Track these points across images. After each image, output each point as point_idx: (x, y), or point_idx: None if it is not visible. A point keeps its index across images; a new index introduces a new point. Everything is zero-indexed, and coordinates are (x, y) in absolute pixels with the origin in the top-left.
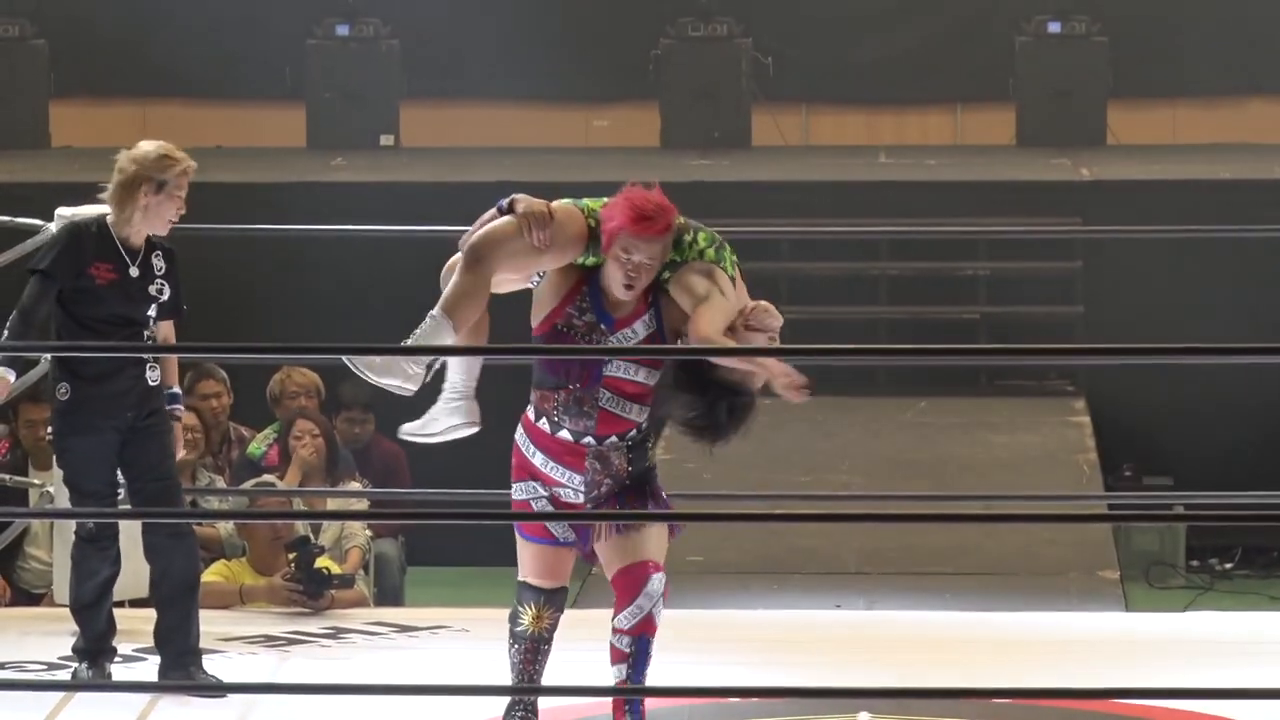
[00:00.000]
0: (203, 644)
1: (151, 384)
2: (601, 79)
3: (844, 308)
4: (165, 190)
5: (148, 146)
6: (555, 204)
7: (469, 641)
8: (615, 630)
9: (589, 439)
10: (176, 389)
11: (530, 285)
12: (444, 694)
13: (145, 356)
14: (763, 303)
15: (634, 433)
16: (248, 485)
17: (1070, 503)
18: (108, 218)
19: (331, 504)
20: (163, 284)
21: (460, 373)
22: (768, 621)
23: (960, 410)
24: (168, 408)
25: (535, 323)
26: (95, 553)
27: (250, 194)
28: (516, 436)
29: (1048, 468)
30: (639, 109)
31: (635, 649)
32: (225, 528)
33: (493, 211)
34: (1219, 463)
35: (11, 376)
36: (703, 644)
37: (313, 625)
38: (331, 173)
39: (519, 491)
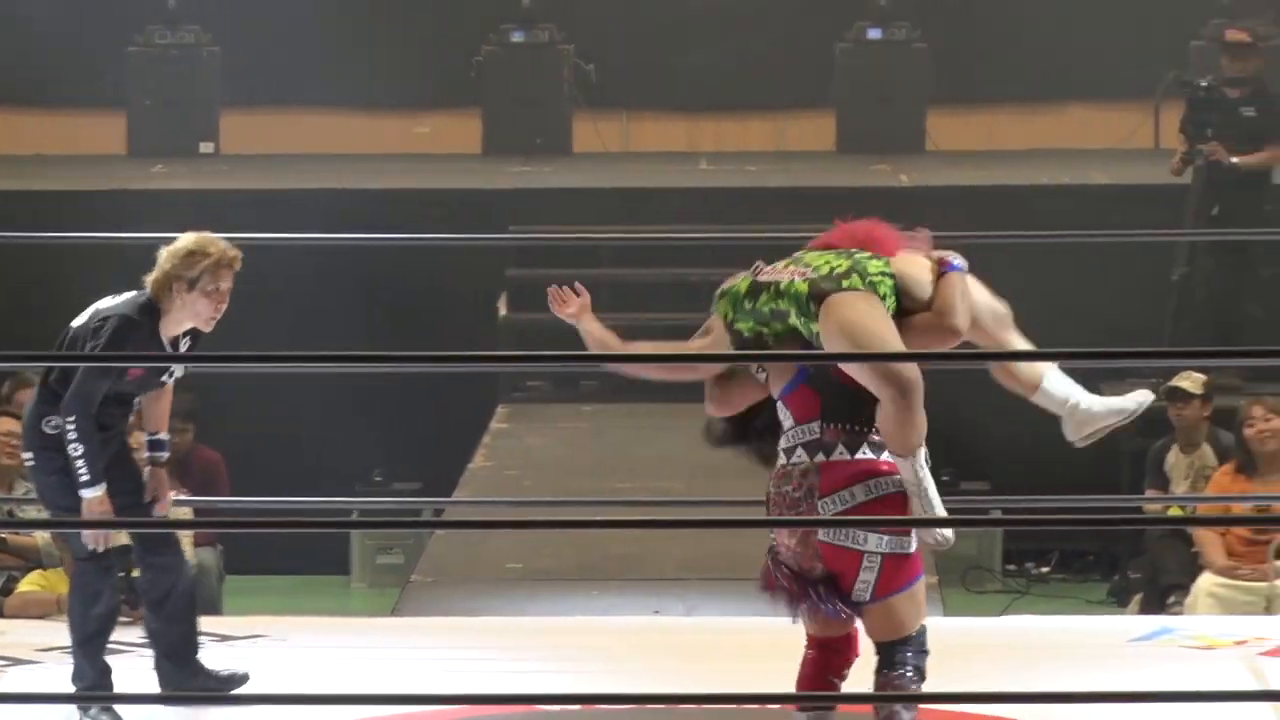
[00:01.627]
0: (19, 655)
1: (125, 446)
2: (423, 85)
3: (666, 314)
4: (198, 287)
5: (182, 241)
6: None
7: (287, 650)
8: None
9: None
10: (163, 435)
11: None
12: (317, 703)
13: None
14: None
15: None
16: None
17: None
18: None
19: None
20: (182, 367)
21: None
22: (586, 628)
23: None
24: (149, 454)
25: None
26: (98, 573)
27: (70, 202)
28: (896, 485)
29: None
30: (460, 115)
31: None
32: (42, 537)
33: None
34: (1035, 467)
35: (101, 490)
36: (522, 651)
37: (132, 635)
38: (152, 180)
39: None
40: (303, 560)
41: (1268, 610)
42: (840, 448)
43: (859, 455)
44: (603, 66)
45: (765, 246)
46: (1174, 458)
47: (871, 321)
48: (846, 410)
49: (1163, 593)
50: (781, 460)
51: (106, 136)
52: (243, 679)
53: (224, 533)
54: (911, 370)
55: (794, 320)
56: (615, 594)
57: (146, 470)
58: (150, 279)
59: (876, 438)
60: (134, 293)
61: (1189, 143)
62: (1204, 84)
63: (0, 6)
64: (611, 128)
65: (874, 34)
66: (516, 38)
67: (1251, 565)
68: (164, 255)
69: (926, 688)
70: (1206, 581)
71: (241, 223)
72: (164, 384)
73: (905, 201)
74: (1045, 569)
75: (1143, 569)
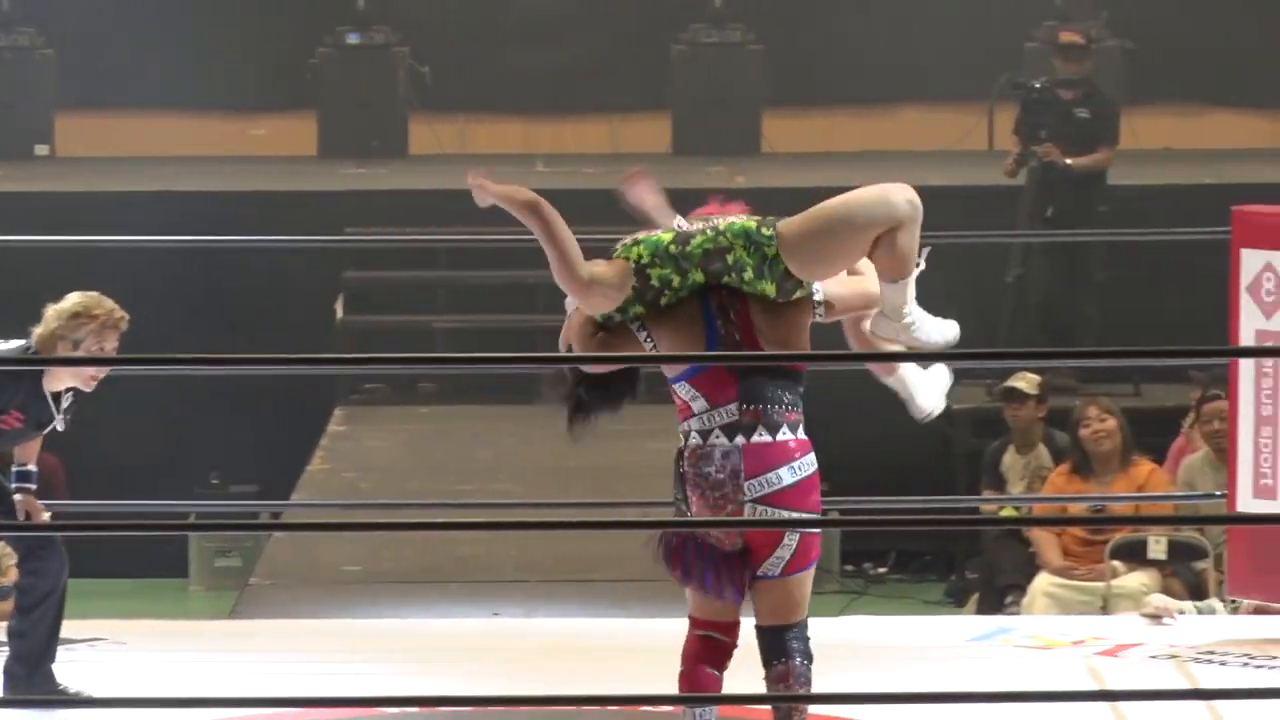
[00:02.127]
0: None
1: None
2: (258, 88)
3: (502, 316)
4: (82, 348)
5: (68, 302)
6: None
7: (126, 653)
8: None
9: None
10: (31, 467)
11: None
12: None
13: None
14: None
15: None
16: None
17: None
18: None
19: None
20: (64, 419)
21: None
22: (426, 630)
23: (618, 418)
24: (16, 484)
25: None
26: None
27: None
28: (813, 465)
29: None
30: (296, 118)
31: None
32: None
33: None
34: (872, 468)
35: None
36: (361, 653)
37: None
38: None
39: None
40: (141, 563)
41: (1104, 610)
42: (761, 429)
43: (779, 437)
44: (438, 69)
45: (603, 249)
46: (1010, 458)
47: (839, 198)
48: (763, 391)
49: (1000, 593)
50: (695, 441)
51: None
52: (86, 701)
53: (61, 536)
54: (913, 198)
55: (739, 254)
56: (455, 596)
57: (18, 499)
58: (36, 334)
59: (792, 416)
60: (21, 342)
61: (1023, 144)
62: (1037, 86)
63: None
64: (448, 130)
65: (709, 36)
66: (351, 40)
67: (1087, 565)
68: (50, 314)
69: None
70: (1043, 582)
71: (78, 225)
72: (36, 438)
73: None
74: (883, 569)
75: (979, 569)
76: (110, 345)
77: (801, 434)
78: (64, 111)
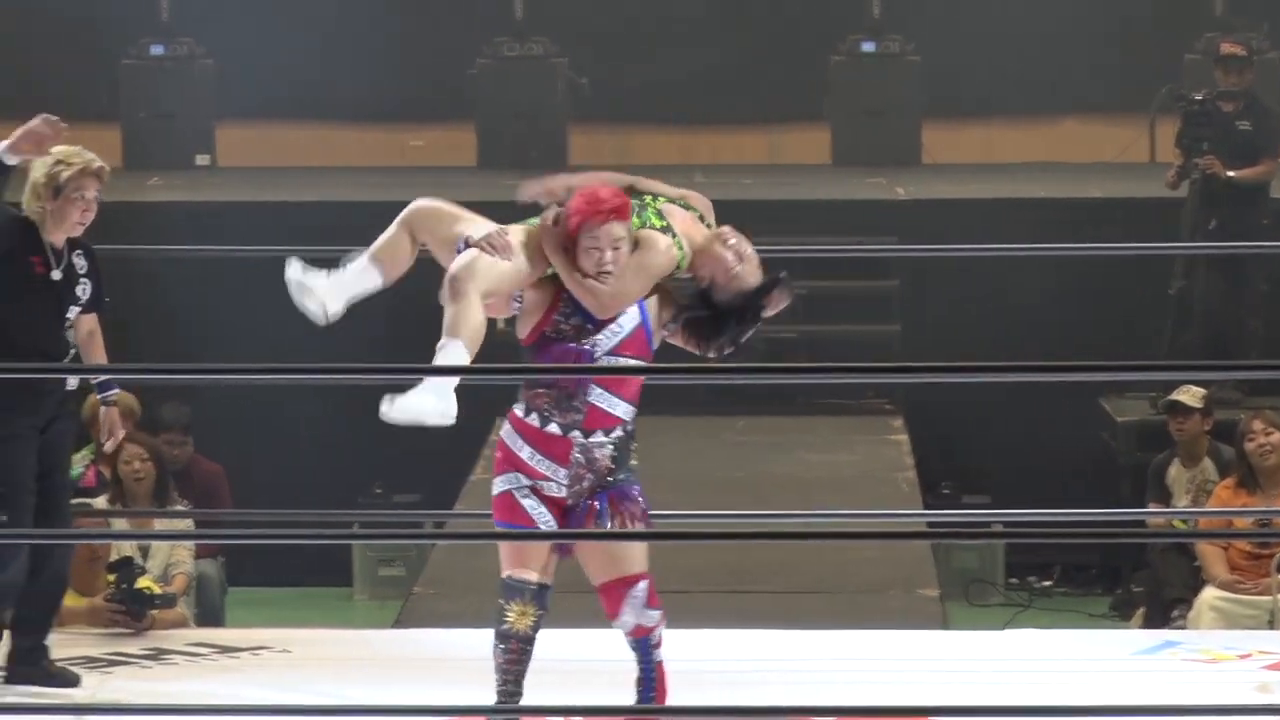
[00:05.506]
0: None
1: (70, 387)
2: (417, 98)
3: None
4: (63, 195)
5: (50, 152)
6: (510, 226)
7: (290, 662)
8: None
9: (576, 433)
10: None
11: (513, 312)
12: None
13: (68, 357)
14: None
15: (619, 430)
16: None
17: (889, 520)
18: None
19: (158, 525)
20: (86, 283)
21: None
22: (587, 641)
23: (777, 429)
24: (101, 395)
25: (523, 334)
26: None
27: None
28: (503, 433)
29: (866, 486)
30: (455, 128)
31: (638, 650)
32: None
33: (460, 247)
34: (1037, 480)
35: None
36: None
37: (133, 646)
38: (148, 193)
39: (501, 484)
40: (304, 572)
41: (1271, 624)
42: None
43: None
44: (596, 79)
45: (763, 259)
46: (1175, 471)
47: None
48: None
49: (1166, 606)
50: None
51: (103, 149)
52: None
53: (226, 544)
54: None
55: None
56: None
57: (101, 411)
58: (25, 195)
59: None
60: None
61: (1185, 156)
62: (1199, 97)
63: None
64: (607, 140)
65: (867, 46)
66: (510, 50)
67: (1254, 579)
68: (34, 165)
69: (933, 701)
70: (1209, 595)
71: (238, 234)
72: (77, 298)
73: (902, 214)
74: (1048, 582)
75: (1145, 582)
76: (91, 194)
77: (513, 410)
78: (224, 121)
